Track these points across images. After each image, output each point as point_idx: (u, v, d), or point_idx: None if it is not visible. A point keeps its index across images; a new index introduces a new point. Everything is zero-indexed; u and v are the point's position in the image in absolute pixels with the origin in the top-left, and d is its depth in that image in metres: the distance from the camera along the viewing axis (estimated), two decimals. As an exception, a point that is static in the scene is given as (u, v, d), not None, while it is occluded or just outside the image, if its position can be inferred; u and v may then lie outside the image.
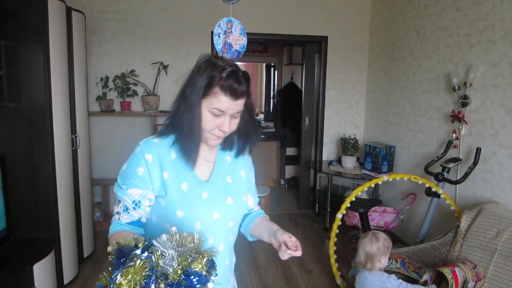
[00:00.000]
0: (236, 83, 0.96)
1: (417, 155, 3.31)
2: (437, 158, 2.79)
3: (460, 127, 2.71)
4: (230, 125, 1.00)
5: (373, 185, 2.65)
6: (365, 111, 4.36)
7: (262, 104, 6.87)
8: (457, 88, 2.72)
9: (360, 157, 4.03)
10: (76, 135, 2.84)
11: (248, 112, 1.06)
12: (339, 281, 2.59)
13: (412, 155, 3.39)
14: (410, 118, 3.42)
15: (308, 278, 2.99)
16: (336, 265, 2.60)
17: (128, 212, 1.04)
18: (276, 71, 6.48)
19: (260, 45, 6.10)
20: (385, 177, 2.61)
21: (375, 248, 1.92)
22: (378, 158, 3.54)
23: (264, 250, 3.51)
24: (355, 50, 4.27)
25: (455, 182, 2.52)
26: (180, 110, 1.02)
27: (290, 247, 1.00)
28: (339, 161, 4.10)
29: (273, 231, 1.09)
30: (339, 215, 2.55)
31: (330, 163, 4.14)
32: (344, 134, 4.14)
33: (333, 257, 2.57)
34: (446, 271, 1.87)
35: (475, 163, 2.48)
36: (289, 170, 5.75)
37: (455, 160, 2.62)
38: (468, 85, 2.62)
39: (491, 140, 2.49)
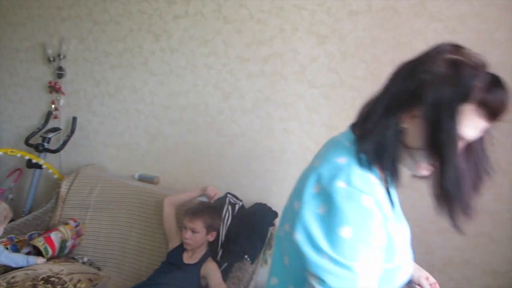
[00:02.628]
0: (505, 95, 0.68)
1: (21, 128, 3.13)
2: (37, 130, 2.75)
3: (59, 98, 2.79)
4: None
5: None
6: (-45, 80, 3.62)
7: None
8: (52, 59, 2.75)
9: (-50, 135, 3.34)
10: None
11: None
12: None
13: (16, 129, 3.17)
14: (9, 88, 3.15)
15: None
16: None
17: None
18: None
19: None
20: (-27, 154, 2.31)
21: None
22: (-27, 134, 3.06)
23: None
24: None
25: (55, 151, 2.59)
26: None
27: None
28: None
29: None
30: None
31: None
32: None
33: None
34: (39, 240, 1.92)
35: (72, 131, 2.65)
36: None
37: (55, 129, 2.69)
38: (62, 56, 2.72)
39: (86, 109, 2.72)
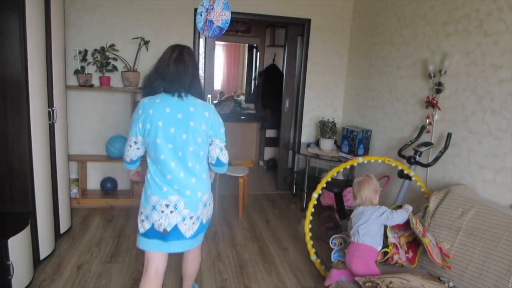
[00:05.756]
0: None
1: (392, 139, 3.41)
2: (410, 142, 2.89)
3: (434, 112, 2.81)
4: None
5: (348, 167, 2.73)
6: (344, 95, 4.44)
7: (243, 85, 6.86)
8: (432, 75, 2.81)
9: (337, 140, 4.12)
10: (53, 108, 2.78)
11: None
12: (313, 257, 2.68)
13: (388, 139, 3.50)
14: (387, 102, 3.51)
15: (283, 255, 3.08)
16: (311, 242, 2.70)
17: None
18: (258, 53, 6.45)
19: (243, 25, 6.05)
20: (360, 159, 2.70)
21: (376, 183, 2.27)
22: (354, 141, 3.63)
23: (242, 228, 3.58)
24: (337, 34, 4.31)
25: (426, 165, 2.63)
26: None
27: None
28: (317, 143, 4.18)
29: None
30: (315, 195, 2.63)
31: (308, 145, 4.22)
32: (323, 117, 4.21)
33: (308, 235, 2.65)
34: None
35: (446, 147, 2.59)
36: (268, 152, 5.81)
37: (427, 144, 2.73)
38: (443, 72, 2.71)
39: (461, 126, 2.60)
